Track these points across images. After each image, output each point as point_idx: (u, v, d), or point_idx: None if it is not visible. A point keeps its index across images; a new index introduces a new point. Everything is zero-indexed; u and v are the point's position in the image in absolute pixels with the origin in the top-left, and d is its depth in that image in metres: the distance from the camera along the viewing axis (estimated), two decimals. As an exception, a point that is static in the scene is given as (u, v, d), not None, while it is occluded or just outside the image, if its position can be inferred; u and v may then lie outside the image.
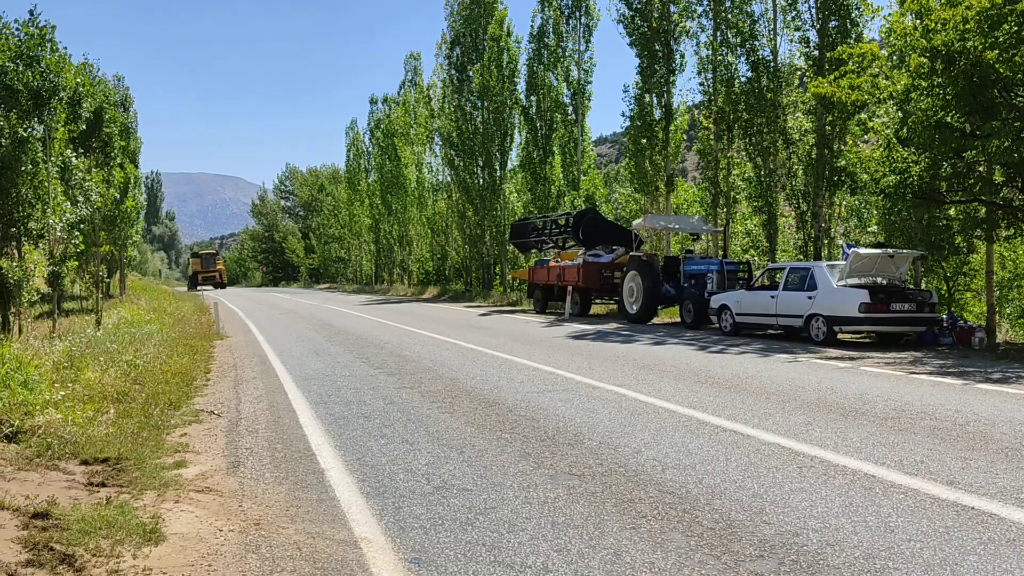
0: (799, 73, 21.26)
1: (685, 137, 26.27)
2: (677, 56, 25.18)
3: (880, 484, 5.23)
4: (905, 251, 15.58)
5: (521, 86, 35.08)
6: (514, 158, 37.48)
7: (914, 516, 4.58)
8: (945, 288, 18.32)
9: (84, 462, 6.21)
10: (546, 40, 33.56)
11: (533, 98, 34.11)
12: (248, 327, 20.59)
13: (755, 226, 26.59)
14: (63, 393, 7.68)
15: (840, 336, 15.05)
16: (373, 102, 59.21)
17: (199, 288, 64.95)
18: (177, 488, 5.45)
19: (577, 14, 33.27)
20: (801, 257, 21.47)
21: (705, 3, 23.38)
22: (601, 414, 7.78)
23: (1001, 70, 12.98)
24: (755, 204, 22.60)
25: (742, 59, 22.10)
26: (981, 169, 14.42)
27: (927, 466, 5.67)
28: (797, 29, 20.58)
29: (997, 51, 12.86)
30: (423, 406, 8.41)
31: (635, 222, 23.07)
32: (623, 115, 26.61)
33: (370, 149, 60.00)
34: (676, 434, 6.83)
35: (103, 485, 5.67)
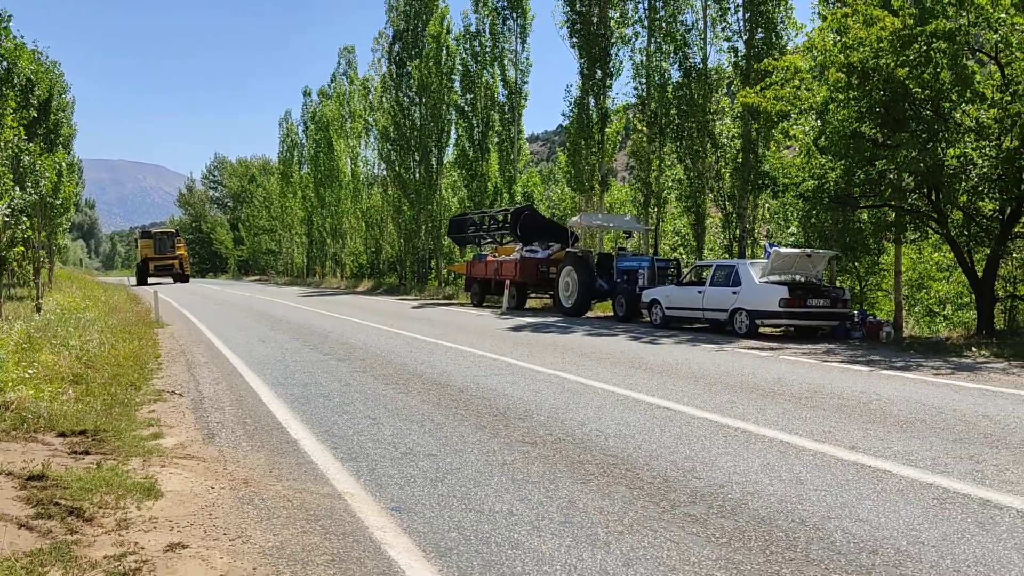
0: (727, 81, 22.36)
1: (620, 139, 27.19)
2: (614, 61, 26.08)
3: (793, 449, 6.01)
4: (822, 251, 16.74)
5: (459, 84, 35.50)
6: (451, 154, 37.88)
7: (820, 472, 5.35)
8: (857, 286, 19.62)
9: (61, 434, 6.52)
10: (482, 39, 34.05)
11: (469, 96, 34.56)
12: (186, 316, 20.60)
13: (684, 225, 27.70)
14: (31, 372, 7.93)
15: (761, 329, 16.07)
16: (306, 94, 58.87)
17: (151, 281, 46.72)
18: (160, 455, 5.85)
19: (514, 15, 33.86)
20: (727, 255, 22.58)
21: (641, 11, 24.35)
22: (546, 394, 8.43)
23: (911, 86, 14.17)
24: (684, 204, 23.69)
25: (675, 66, 23.13)
26: (891, 176, 15.56)
27: (833, 435, 6.48)
28: (727, 40, 21.73)
29: (908, 68, 14.02)
30: (378, 387, 8.92)
31: (571, 219, 23.91)
32: (563, 115, 27.44)
33: (304, 141, 59.56)
34: (616, 410, 7.52)
35: (87, 453, 6.02)
